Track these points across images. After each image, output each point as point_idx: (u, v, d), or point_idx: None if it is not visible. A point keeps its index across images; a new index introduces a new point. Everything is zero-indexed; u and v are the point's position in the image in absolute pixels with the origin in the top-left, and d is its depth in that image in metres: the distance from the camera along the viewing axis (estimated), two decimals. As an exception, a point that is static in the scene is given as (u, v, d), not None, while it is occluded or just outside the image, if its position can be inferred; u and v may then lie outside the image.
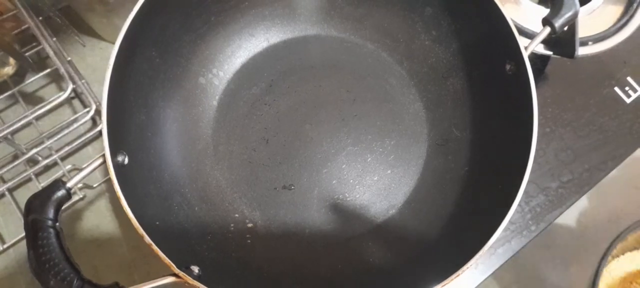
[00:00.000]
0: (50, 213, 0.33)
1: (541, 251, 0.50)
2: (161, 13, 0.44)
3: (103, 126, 0.36)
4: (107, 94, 0.37)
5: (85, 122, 0.50)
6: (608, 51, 0.56)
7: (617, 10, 0.59)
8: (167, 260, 0.33)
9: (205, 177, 0.48)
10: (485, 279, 0.48)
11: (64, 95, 0.49)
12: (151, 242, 0.34)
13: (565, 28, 0.43)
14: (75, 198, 0.50)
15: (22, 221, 0.48)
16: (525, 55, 0.40)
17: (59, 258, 0.31)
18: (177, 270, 0.33)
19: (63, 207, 0.35)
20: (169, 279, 0.34)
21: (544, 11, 0.58)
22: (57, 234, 0.32)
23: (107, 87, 0.37)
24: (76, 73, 0.52)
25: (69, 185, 0.34)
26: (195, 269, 0.36)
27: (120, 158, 0.38)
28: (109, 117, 0.37)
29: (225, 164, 0.49)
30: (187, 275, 0.33)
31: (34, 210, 0.33)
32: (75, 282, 0.31)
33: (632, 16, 0.57)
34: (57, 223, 0.33)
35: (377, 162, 0.50)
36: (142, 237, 0.34)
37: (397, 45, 0.54)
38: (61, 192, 0.34)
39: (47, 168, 0.52)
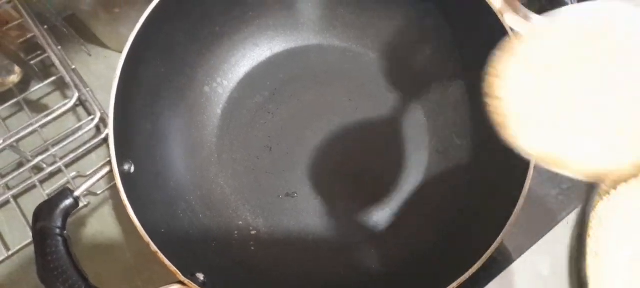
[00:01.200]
0: (58, 222, 0.33)
1: (542, 257, 0.51)
2: (167, 23, 0.44)
3: (110, 135, 0.37)
4: (113, 103, 0.38)
5: (90, 129, 0.51)
6: (607, 59, 0.57)
7: (615, 19, 0.59)
8: (172, 268, 0.34)
9: (209, 185, 0.49)
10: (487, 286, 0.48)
11: (70, 104, 0.49)
12: (157, 249, 0.34)
13: (565, 38, 0.43)
14: (80, 205, 0.51)
15: (27, 228, 0.49)
16: (525, 64, 0.41)
17: (67, 266, 0.31)
18: (182, 278, 0.34)
19: (68, 214, 0.36)
20: (175, 286, 0.34)
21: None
22: (65, 242, 0.33)
23: (113, 96, 0.38)
24: (81, 81, 0.53)
25: (76, 193, 0.35)
26: (201, 276, 0.36)
27: (126, 167, 0.38)
28: (116, 126, 0.37)
29: (229, 172, 0.50)
30: (192, 283, 0.34)
31: (42, 218, 0.33)
32: (83, 289, 0.31)
33: (630, 25, 0.58)
34: (65, 231, 0.33)
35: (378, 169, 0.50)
36: (148, 245, 0.34)
37: (397, 54, 0.54)
38: (69, 201, 0.34)
39: (52, 175, 0.52)
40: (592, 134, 0.27)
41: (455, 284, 0.35)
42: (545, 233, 0.50)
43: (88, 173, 0.52)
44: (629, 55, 0.26)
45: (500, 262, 0.49)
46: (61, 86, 0.58)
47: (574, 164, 0.27)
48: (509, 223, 0.37)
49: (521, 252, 0.49)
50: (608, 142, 0.27)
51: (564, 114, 0.27)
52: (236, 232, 0.47)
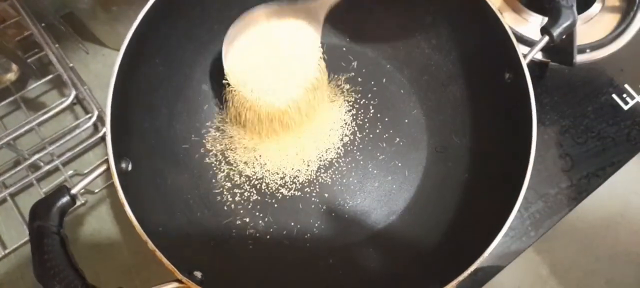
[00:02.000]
0: (55, 220, 0.33)
1: (541, 256, 0.51)
2: (165, 21, 0.44)
3: (107, 133, 0.37)
4: (111, 101, 0.37)
5: (87, 128, 0.50)
6: (606, 58, 0.57)
7: (614, 18, 0.59)
8: (170, 266, 0.34)
9: (207, 183, 0.49)
10: (485, 285, 0.48)
11: (67, 102, 0.49)
12: (155, 248, 0.34)
13: (564, 36, 0.43)
14: (77, 203, 0.50)
15: (24, 226, 0.49)
16: (524, 63, 0.41)
17: (64, 264, 0.31)
18: (180, 276, 0.33)
19: (65, 213, 0.35)
20: (173, 285, 0.34)
21: (542, 19, 0.58)
22: (62, 240, 0.32)
23: (111, 94, 0.38)
24: (78, 79, 0.53)
25: (73, 191, 0.35)
26: (198, 274, 0.36)
27: (123, 165, 0.38)
28: (113, 124, 0.37)
29: (228, 170, 0.50)
30: (190, 281, 0.34)
31: (39, 217, 0.33)
32: (79, 288, 0.31)
33: (629, 24, 0.58)
34: (62, 230, 0.33)
35: (377, 168, 0.50)
36: (145, 243, 0.34)
37: (397, 52, 0.54)
38: (66, 199, 0.34)
39: (49, 173, 0.52)
40: (272, 78, 0.46)
41: (454, 282, 0.35)
42: (545, 232, 0.50)
43: (85, 171, 0.52)
44: (279, 35, 0.47)
45: (500, 261, 0.49)
46: (59, 84, 0.57)
47: (265, 98, 0.46)
48: (507, 222, 0.37)
49: (520, 251, 0.49)
50: (280, 84, 0.46)
51: (260, 65, 0.47)
52: (234, 231, 0.47)
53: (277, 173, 0.50)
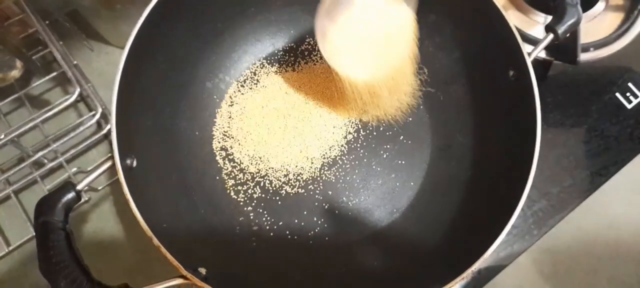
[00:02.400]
0: (61, 216, 0.33)
1: (542, 255, 0.51)
2: (168, 20, 0.44)
3: (112, 130, 0.37)
4: (116, 99, 0.38)
5: (91, 125, 0.51)
6: (609, 57, 0.57)
7: (618, 16, 0.59)
8: (175, 263, 0.34)
9: (210, 181, 0.49)
10: (487, 284, 0.48)
11: (71, 99, 0.49)
12: (160, 244, 0.34)
13: (568, 35, 0.43)
14: (81, 199, 0.51)
15: (28, 223, 0.49)
16: (529, 61, 0.41)
17: (69, 260, 0.31)
18: (185, 272, 0.34)
19: (68, 209, 0.35)
20: (177, 281, 0.34)
21: (546, 17, 0.58)
22: (67, 236, 0.33)
23: (116, 92, 0.38)
24: (82, 77, 0.53)
25: (78, 187, 0.35)
26: (203, 271, 0.36)
27: (128, 162, 0.38)
28: (118, 122, 0.37)
29: (231, 167, 0.50)
30: (194, 277, 0.34)
31: (44, 212, 0.33)
32: (85, 283, 0.31)
33: (633, 23, 0.58)
34: (67, 225, 0.33)
35: (381, 166, 0.50)
36: (150, 240, 0.34)
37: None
38: (71, 195, 0.34)
39: (53, 171, 0.52)
40: (364, 50, 0.46)
41: (458, 279, 0.35)
42: (547, 231, 0.50)
43: (89, 168, 0.52)
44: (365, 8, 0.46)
45: (502, 260, 0.49)
46: (62, 82, 0.57)
47: (359, 71, 0.46)
48: (511, 220, 0.37)
49: (523, 250, 0.49)
50: (372, 53, 0.46)
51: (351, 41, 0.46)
52: (238, 228, 0.47)
53: (281, 171, 0.50)
